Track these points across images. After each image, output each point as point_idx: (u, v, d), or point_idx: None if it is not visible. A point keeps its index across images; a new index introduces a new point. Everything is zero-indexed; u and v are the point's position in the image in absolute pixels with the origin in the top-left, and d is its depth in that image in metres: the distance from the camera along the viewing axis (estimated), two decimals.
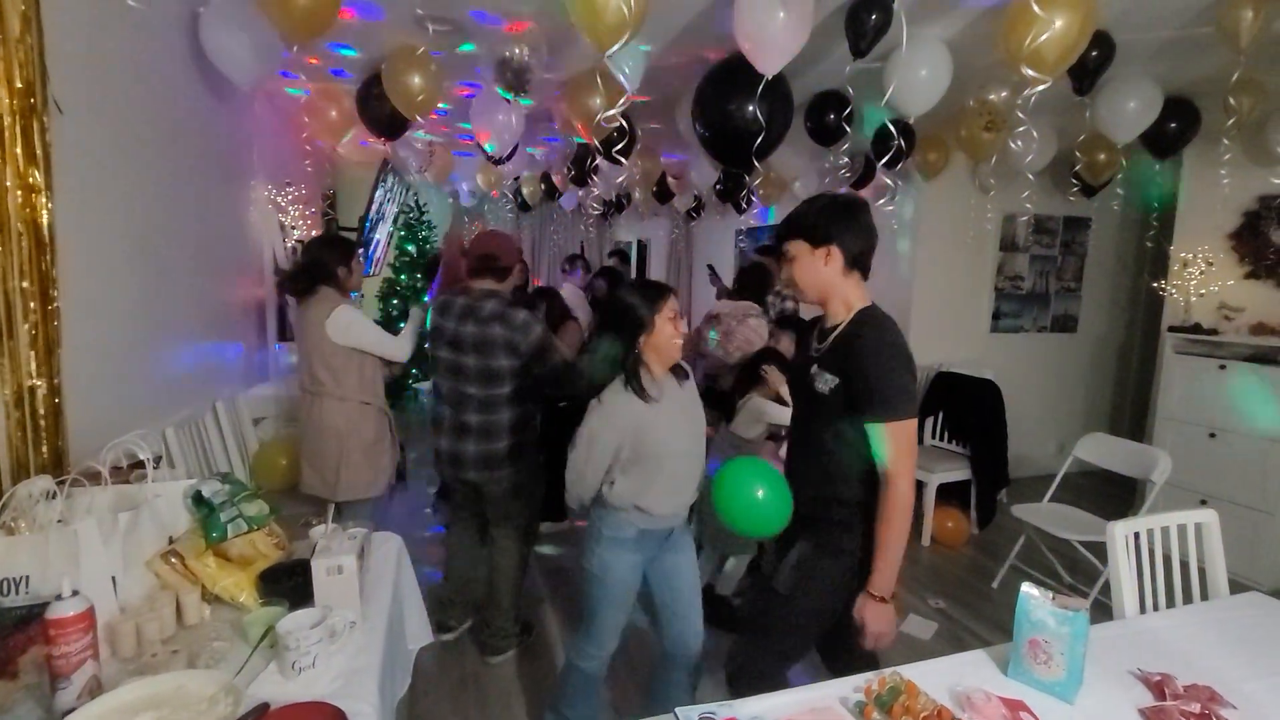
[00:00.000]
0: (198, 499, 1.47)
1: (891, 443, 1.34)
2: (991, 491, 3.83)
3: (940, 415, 4.13)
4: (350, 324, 2.20)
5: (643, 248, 8.49)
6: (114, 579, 1.26)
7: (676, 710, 1.02)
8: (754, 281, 3.44)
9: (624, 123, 2.50)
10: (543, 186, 5.69)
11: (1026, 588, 1.23)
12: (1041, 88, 1.86)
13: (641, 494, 1.61)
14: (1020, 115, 2.26)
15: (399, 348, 2.30)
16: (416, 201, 6.47)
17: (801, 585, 1.47)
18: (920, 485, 3.74)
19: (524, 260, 2.44)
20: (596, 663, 1.80)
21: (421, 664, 2.39)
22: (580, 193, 5.86)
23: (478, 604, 2.54)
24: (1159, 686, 1.20)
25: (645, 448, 1.58)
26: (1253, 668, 1.30)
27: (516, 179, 5.65)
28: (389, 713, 1.35)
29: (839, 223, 1.40)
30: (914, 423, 1.37)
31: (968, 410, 3.96)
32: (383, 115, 2.85)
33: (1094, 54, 2.23)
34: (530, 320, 2.12)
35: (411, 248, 6.33)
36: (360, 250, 2.45)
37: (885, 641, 1.41)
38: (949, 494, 3.82)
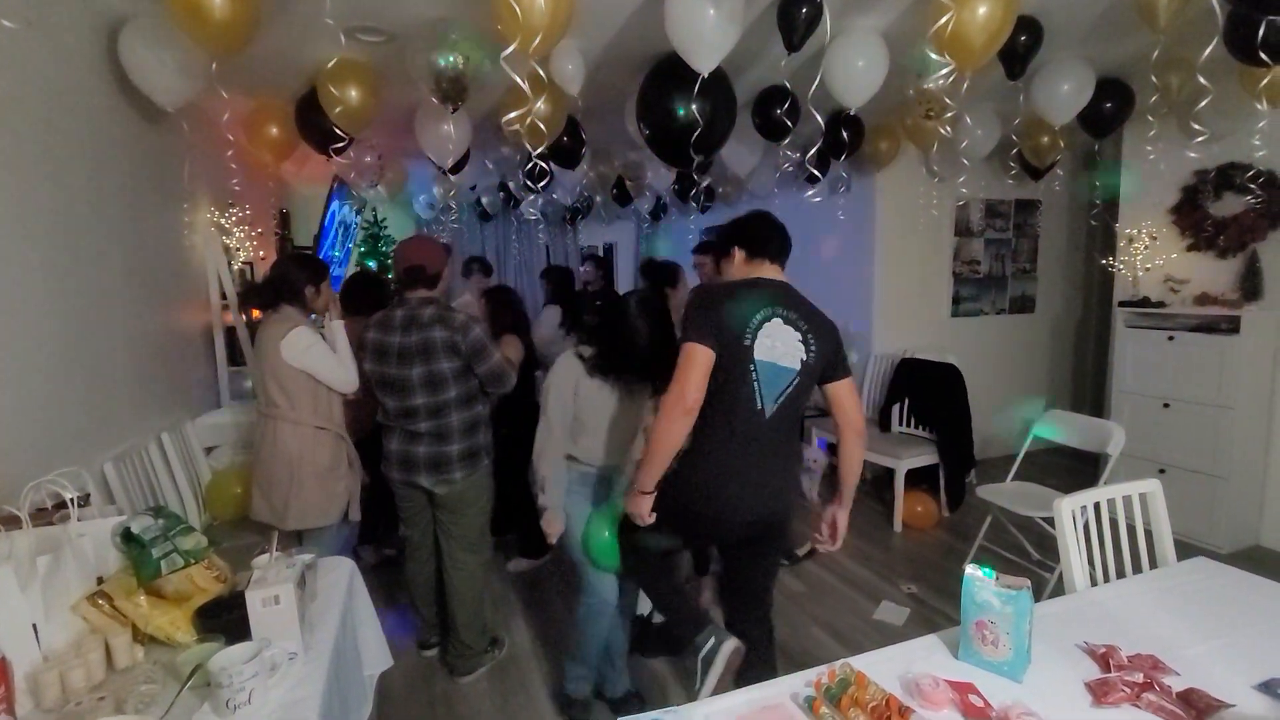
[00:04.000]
0: (127, 536, 1.41)
1: (679, 359, 1.59)
2: (959, 474, 3.88)
3: (905, 402, 4.18)
4: (309, 347, 2.14)
5: (609, 251, 8.47)
6: (35, 626, 1.20)
7: None
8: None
9: (540, 126, 2.47)
10: (501, 195, 5.65)
11: (970, 570, 1.24)
12: (946, 71, 1.92)
13: (573, 443, 1.99)
14: (948, 102, 2.28)
15: (348, 380, 2.24)
16: (375, 215, 6.37)
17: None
18: (889, 472, 3.78)
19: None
20: (602, 609, 2.03)
21: (391, 688, 2.36)
22: (539, 199, 5.83)
23: (443, 621, 2.49)
24: (1104, 658, 1.21)
25: (577, 402, 1.96)
26: (1196, 632, 1.32)
27: (474, 188, 5.59)
28: None
29: (734, 233, 1.80)
30: (690, 346, 1.56)
31: (931, 395, 4.01)
32: (322, 131, 2.79)
33: (1022, 39, 2.27)
34: (469, 321, 2.15)
35: (373, 263, 6.23)
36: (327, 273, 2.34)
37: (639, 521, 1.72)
38: (919, 479, 3.86)
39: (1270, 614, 1.38)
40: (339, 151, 2.79)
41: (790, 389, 1.64)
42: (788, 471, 1.75)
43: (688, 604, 1.86)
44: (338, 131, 2.69)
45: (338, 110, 2.49)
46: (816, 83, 2.24)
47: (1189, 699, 1.09)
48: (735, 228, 1.81)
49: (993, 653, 1.20)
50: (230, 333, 3.28)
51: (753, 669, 1.76)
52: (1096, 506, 1.70)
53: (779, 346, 1.61)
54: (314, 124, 2.86)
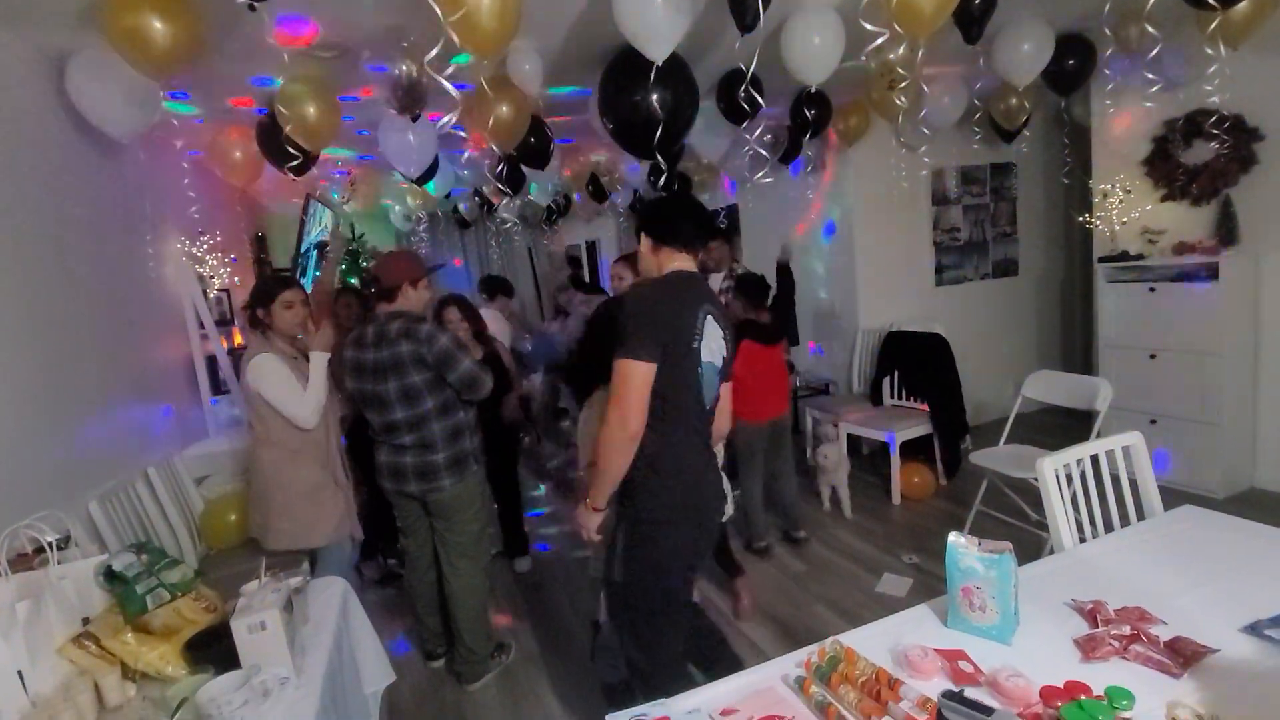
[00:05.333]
0: (109, 575, 1.40)
1: (614, 378, 1.44)
2: (954, 442, 3.88)
3: (895, 374, 4.18)
4: (264, 376, 2.08)
5: (592, 247, 8.45)
6: (20, 673, 1.20)
7: (607, 717, 1.00)
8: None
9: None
10: (477, 200, 5.63)
11: (953, 537, 1.24)
12: (880, 40, 1.90)
13: None
14: (901, 72, 2.27)
15: (301, 409, 2.10)
16: (353, 230, 6.34)
17: (625, 564, 1.57)
18: (885, 445, 3.78)
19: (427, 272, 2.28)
20: None
21: (399, 701, 2.36)
22: (517, 203, 5.81)
23: (448, 630, 2.49)
24: (1092, 614, 1.21)
25: None
26: (1182, 581, 1.32)
27: (449, 196, 5.56)
28: None
29: (644, 217, 1.69)
30: (629, 364, 1.42)
31: (921, 365, 4.01)
32: (285, 150, 2.76)
33: (976, 1, 2.26)
34: (434, 332, 2.13)
35: (355, 281, 6.20)
36: (285, 291, 2.22)
37: (586, 534, 1.58)
38: (914, 450, 3.86)
39: (1255, 556, 1.39)
40: (298, 171, 2.76)
41: (719, 386, 1.61)
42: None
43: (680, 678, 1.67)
44: (301, 150, 2.66)
45: (296, 128, 2.47)
46: (754, 63, 2.21)
47: (1175, 647, 1.09)
48: (645, 212, 1.71)
49: (980, 618, 1.20)
50: (212, 361, 3.26)
51: (723, 651, 1.80)
52: (1080, 462, 1.70)
53: (713, 345, 1.56)
54: (276, 144, 2.83)
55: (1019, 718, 0.79)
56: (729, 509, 2.28)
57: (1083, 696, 0.83)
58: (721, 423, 1.71)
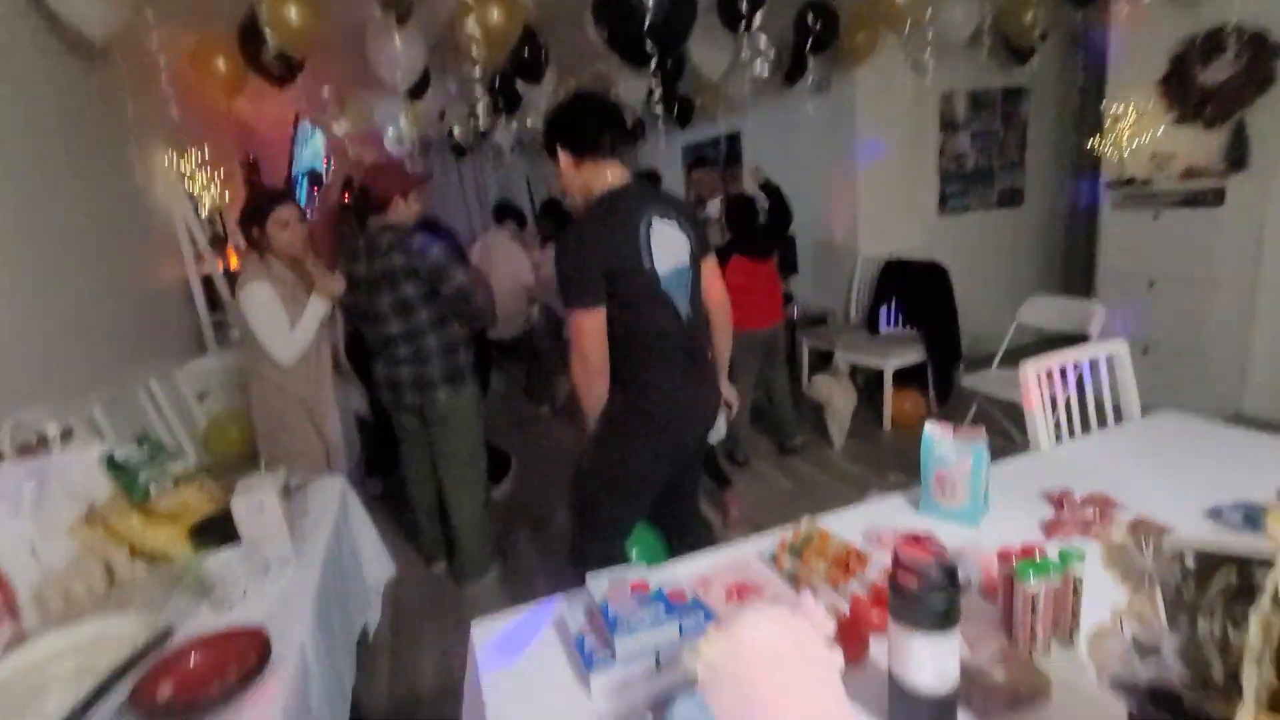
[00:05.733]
0: (111, 464, 1.45)
1: (568, 327, 1.45)
2: (947, 369, 3.92)
3: (893, 303, 4.18)
4: (251, 306, 1.99)
5: None
6: (33, 547, 1.25)
7: (588, 575, 1.06)
8: None
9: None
10: (472, 123, 5.45)
11: (928, 426, 1.27)
12: None
13: None
14: None
15: (282, 348, 2.01)
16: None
17: (592, 451, 1.60)
18: (879, 374, 3.81)
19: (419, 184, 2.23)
20: None
21: (401, 597, 2.48)
22: (515, 126, 5.64)
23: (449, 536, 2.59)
24: (1059, 501, 1.26)
25: None
26: (1153, 474, 1.35)
27: (442, 116, 5.39)
28: (339, 640, 1.38)
29: (551, 129, 1.51)
30: (575, 316, 1.42)
31: (918, 294, 4.01)
32: (269, 58, 2.67)
33: None
34: (426, 244, 2.11)
35: None
36: (279, 207, 2.07)
37: None
38: (909, 378, 3.90)
39: (1228, 454, 1.42)
40: (282, 82, 2.67)
41: (692, 282, 1.55)
42: (713, 370, 1.70)
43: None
44: (284, 58, 2.57)
45: (285, 36, 2.38)
46: None
47: (1136, 527, 1.14)
48: (552, 123, 1.50)
49: (950, 502, 1.25)
50: (208, 278, 3.25)
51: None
52: (1065, 372, 1.73)
53: (669, 247, 1.48)
54: (259, 53, 2.73)
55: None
56: (720, 429, 2.30)
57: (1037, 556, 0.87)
58: (713, 297, 1.66)
